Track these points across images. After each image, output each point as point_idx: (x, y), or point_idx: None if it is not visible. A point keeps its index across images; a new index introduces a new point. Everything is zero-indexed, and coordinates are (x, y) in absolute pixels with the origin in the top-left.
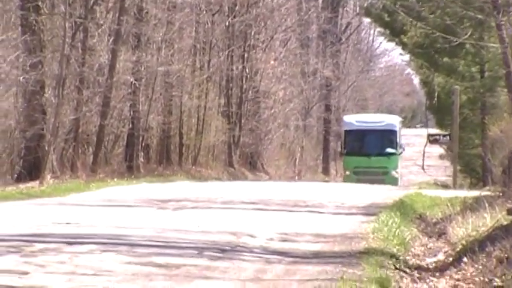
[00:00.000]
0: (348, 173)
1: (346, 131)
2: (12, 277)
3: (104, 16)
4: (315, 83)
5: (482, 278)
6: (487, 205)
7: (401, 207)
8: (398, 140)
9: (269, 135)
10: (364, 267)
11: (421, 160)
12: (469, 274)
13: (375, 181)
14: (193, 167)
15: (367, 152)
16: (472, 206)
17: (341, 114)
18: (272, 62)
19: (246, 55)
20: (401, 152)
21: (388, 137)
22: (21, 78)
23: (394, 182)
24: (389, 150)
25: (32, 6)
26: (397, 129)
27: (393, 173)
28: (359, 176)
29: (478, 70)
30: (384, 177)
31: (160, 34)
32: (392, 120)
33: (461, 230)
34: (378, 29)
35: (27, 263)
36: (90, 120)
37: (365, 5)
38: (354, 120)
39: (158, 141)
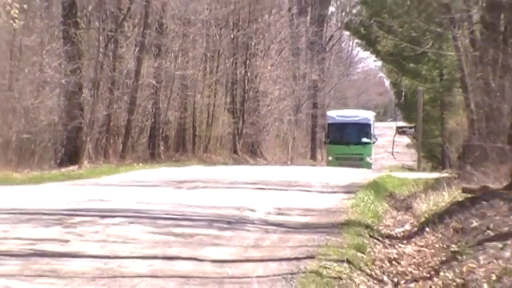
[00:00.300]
0: (330, 158)
1: (329, 124)
2: (56, 244)
3: (131, 30)
4: (304, 84)
5: (441, 245)
6: (445, 185)
7: (375, 186)
8: (372, 131)
9: (267, 127)
10: (344, 236)
11: (391, 148)
12: (430, 241)
13: (353, 165)
14: (204, 154)
15: (346, 141)
16: (433, 186)
17: (325, 110)
18: (269, 67)
19: (247, 62)
20: (375, 142)
21: (363, 129)
22: (63, 81)
23: (368, 166)
24: (364, 139)
25: (71, 22)
26: (371, 122)
27: (368, 159)
28: (340, 161)
29: (438, 74)
30: (360, 162)
31: (177, 45)
32: (367, 115)
33: (424, 205)
34: (356, 40)
35: (68, 233)
36: (120, 115)
37: (345, 20)
38: (336, 115)
39: (175, 132)
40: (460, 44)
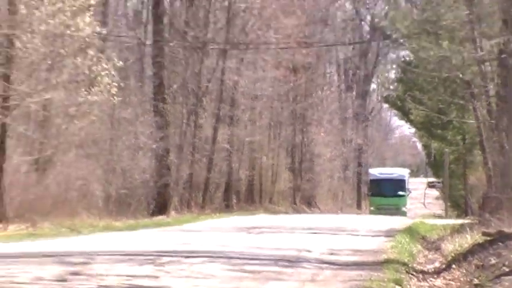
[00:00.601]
0: (372, 208)
1: (371, 180)
2: (148, 280)
3: (209, 104)
4: (350, 147)
5: (465, 279)
6: (468, 229)
7: (410, 231)
8: (406, 185)
9: (320, 183)
10: (385, 272)
11: (423, 199)
12: (456, 276)
13: (391, 213)
14: (269, 205)
15: (385, 194)
16: (458, 230)
17: (368, 169)
18: (322, 134)
19: (304, 129)
20: (409, 194)
21: (399, 184)
22: (153, 146)
23: (404, 214)
24: (400, 192)
25: (160, 98)
26: (405, 178)
27: (403, 208)
28: (380, 210)
29: (461, 138)
30: (397, 211)
31: (247, 116)
32: (402, 172)
33: (451, 246)
34: (393, 111)
35: (158, 270)
36: (200, 174)
37: (384, 95)
38: (377, 172)
39: (245, 187)
40: (479, 114)
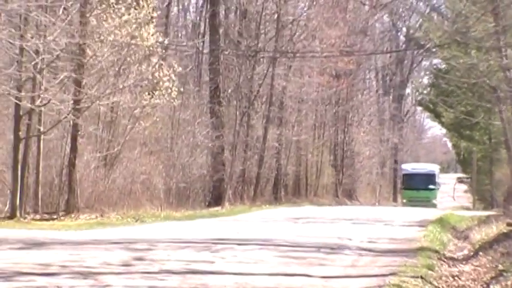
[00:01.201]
0: (404, 200)
1: (404, 174)
2: (205, 264)
3: (260, 106)
4: (387, 146)
5: (491, 265)
6: (494, 220)
7: (441, 221)
8: (436, 179)
9: (360, 178)
10: (418, 258)
11: (453, 193)
12: (483, 262)
13: (422, 205)
14: (314, 197)
15: (417, 187)
16: (485, 221)
17: (401, 165)
18: (361, 134)
19: (345, 129)
20: (439, 188)
21: (430, 178)
22: (210, 144)
23: (434, 206)
24: (431, 186)
25: (216, 101)
26: (435, 173)
27: (433, 200)
28: (412, 202)
29: (487, 138)
30: (428, 203)
31: (294, 117)
32: (433, 168)
33: (478, 236)
34: (426, 113)
35: (214, 256)
36: (252, 169)
37: (418, 99)
38: (409, 167)
39: (293, 182)
40: (504, 116)
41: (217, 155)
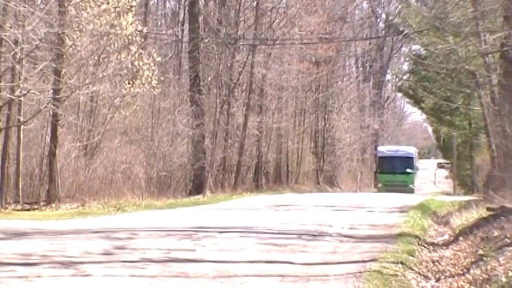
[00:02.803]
0: (380, 185)
1: (379, 157)
2: (186, 253)
3: (240, 94)
4: (368, 132)
5: (471, 250)
6: (474, 205)
7: (421, 207)
8: (414, 163)
9: (341, 165)
10: (399, 244)
11: (433, 178)
12: (463, 247)
13: (398, 191)
14: (295, 185)
15: (393, 171)
16: (465, 206)
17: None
18: (342, 120)
19: (326, 116)
20: (416, 172)
21: (407, 161)
22: (190, 133)
23: (411, 191)
24: (408, 170)
25: (196, 89)
26: (413, 156)
27: (411, 185)
28: (387, 187)
29: (467, 123)
30: (404, 188)
31: (274, 105)
32: (410, 150)
33: (459, 221)
34: (406, 99)
35: (195, 244)
36: (232, 157)
37: (398, 85)
38: (385, 149)
39: (273, 169)
40: (483, 101)
41: (197, 144)
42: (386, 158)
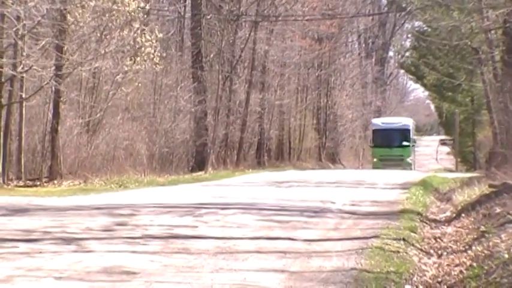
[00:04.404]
0: (375, 160)
1: (374, 130)
2: (187, 229)
3: (242, 71)
4: (370, 109)
5: (473, 226)
6: (476, 182)
7: (423, 184)
8: (411, 135)
9: (343, 141)
10: (401, 221)
11: (435, 155)
12: (465, 224)
13: (395, 165)
14: (297, 162)
15: (389, 145)
16: (467, 183)
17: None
18: (344, 97)
19: (328, 93)
20: (414, 145)
21: (404, 133)
22: (192, 109)
23: (409, 166)
24: (404, 143)
25: (198, 66)
26: (410, 128)
27: (408, 159)
28: (383, 161)
29: (469, 100)
30: (401, 162)
31: (276, 81)
32: (407, 122)
33: (461, 197)
34: (409, 76)
35: (196, 221)
36: (234, 134)
37: (400, 61)
38: (380, 122)
39: (276, 146)
40: (486, 78)
41: (200, 120)
42: (381, 131)
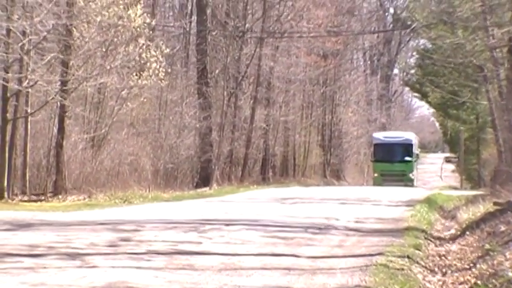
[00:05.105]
0: (375, 175)
1: (375, 144)
2: (192, 245)
3: (247, 87)
4: (375, 126)
5: (478, 244)
6: (481, 200)
7: (428, 201)
8: (414, 150)
9: (348, 158)
10: (406, 238)
11: (440, 173)
12: (470, 241)
13: (396, 181)
14: (302, 178)
15: (390, 160)
16: (472, 201)
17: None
18: (349, 114)
19: (333, 110)
20: (416, 160)
21: (406, 148)
22: (197, 125)
23: (410, 182)
24: (407, 158)
25: (204, 82)
26: (413, 143)
27: (410, 175)
28: (384, 177)
29: (474, 118)
30: (403, 178)
31: (281, 98)
32: (409, 136)
33: (465, 215)
34: (414, 93)
35: (201, 236)
36: (239, 150)
37: (405, 79)
38: (381, 136)
39: (280, 162)
40: (490, 95)
41: (204, 136)
42: (382, 145)
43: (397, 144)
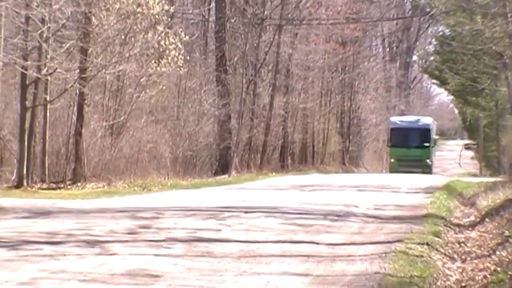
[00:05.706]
0: (392, 160)
1: (391, 129)
2: (211, 232)
3: (266, 74)
4: (394, 113)
5: (497, 231)
6: (500, 187)
7: (447, 188)
8: (431, 135)
9: (367, 145)
10: (425, 225)
11: (459, 160)
12: (489, 228)
13: (413, 167)
14: (321, 165)
15: (407, 145)
16: (491, 187)
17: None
18: (368, 101)
19: (352, 97)
20: (434, 146)
21: (423, 133)
22: (216, 113)
23: (428, 168)
24: (424, 143)
25: (222, 69)
26: (430, 127)
27: (427, 161)
28: (401, 163)
29: (494, 104)
30: (420, 163)
31: (300, 85)
32: (427, 121)
33: (485, 202)
34: (433, 80)
35: (220, 224)
36: (258, 137)
37: (424, 66)
38: (398, 120)
39: (299, 149)
40: (510, 82)
41: (223, 123)
42: (399, 130)
43: (414, 128)
